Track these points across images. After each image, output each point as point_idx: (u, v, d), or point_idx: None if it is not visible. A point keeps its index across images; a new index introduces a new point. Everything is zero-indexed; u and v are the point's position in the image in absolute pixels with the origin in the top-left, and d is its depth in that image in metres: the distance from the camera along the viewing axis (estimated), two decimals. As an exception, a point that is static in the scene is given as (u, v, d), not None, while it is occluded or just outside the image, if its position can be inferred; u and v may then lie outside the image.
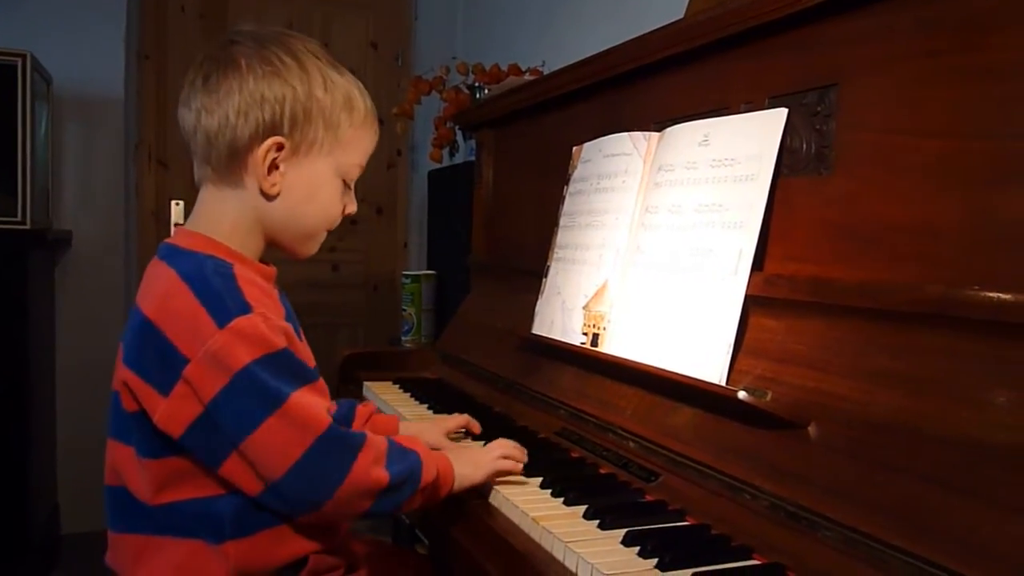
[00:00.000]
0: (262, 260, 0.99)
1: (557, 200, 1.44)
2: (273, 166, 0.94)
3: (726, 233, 0.99)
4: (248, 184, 0.95)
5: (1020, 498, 0.64)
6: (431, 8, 3.50)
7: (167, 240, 0.97)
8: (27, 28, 2.67)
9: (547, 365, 1.36)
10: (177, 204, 2.98)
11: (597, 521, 0.87)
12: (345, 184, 1.01)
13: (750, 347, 0.96)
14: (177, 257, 0.92)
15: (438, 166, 2.90)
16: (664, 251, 1.10)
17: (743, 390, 0.89)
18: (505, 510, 0.96)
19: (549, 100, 1.57)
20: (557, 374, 1.32)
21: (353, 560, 1.01)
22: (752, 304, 0.96)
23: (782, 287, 0.94)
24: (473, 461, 1.00)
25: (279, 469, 0.84)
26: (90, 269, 2.85)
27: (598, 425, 1.16)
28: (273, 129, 0.93)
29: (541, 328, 1.38)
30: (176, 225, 2.93)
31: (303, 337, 0.98)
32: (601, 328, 1.20)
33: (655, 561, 0.77)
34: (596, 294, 1.23)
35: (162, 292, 0.88)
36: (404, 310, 2.47)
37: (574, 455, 1.14)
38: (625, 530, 0.83)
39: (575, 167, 1.41)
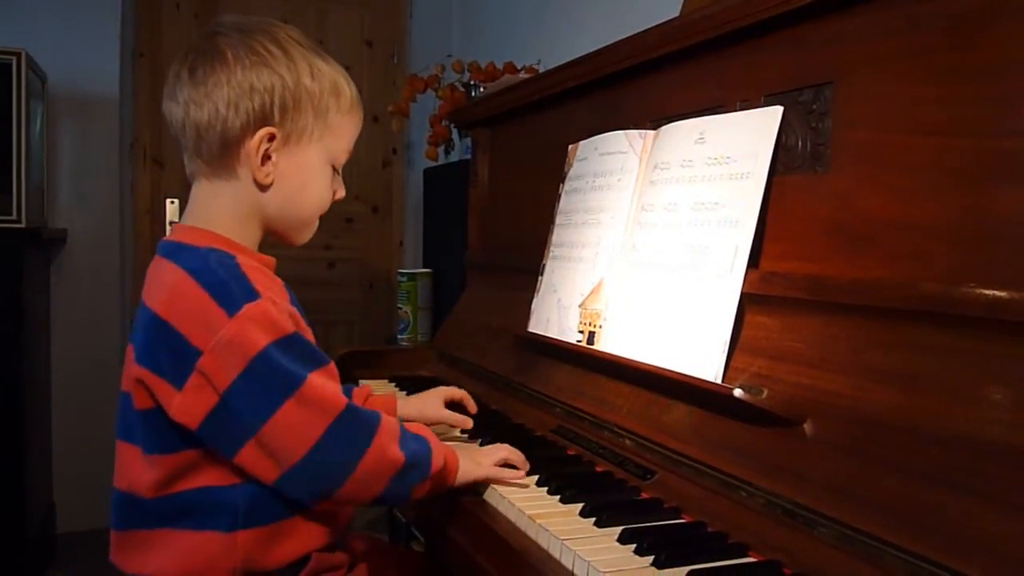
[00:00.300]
0: (260, 251, 0.99)
1: (553, 198, 1.44)
2: (266, 156, 0.94)
3: (722, 231, 0.99)
4: (241, 175, 0.95)
5: (1016, 495, 0.64)
6: (426, 6, 3.50)
7: (167, 238, 0.97)
8: (22, 26, 2.67)
9: (543, 363, 1.36)
10: (172, 202, 2.98)
11: (593, 519, 0.88)
12: (334, 169, 1.01)
13: (746, 345, 0.96)
14: (181, 253, 0.92)
15: (434, 164, 2.90)
16: (660, 249, 1.10)
17: (739, 388, 0.90)
18: (502, 508, 0.96)
19: (545, 98, 1.57)
20: (553, 372, 1.32)
21: (353, 559, 1.02)
22: (748, 302, 0.96)
23: (778, 285, 0.94)
24: (474, 458, 1.01)
25: (297, 453, 0.85)
26: (85, 267, 2.85)
27: (594, 423, 1.16)
28: (264, 119, 0.93)
29: (537, 326, 1.38)
30: (172, 223, 2.94)
31: (308, 325, 0.98)
32: (597, 326, 1.20)
33: (651, 559, 0.77)
34: (592, 292, 1.23)
35: (170, 289, 0.88)
36: (400, 308, 2.47)
37: (570, 453, 1.14)
38: (621, 528, 0.84)
39: (571, 165, 1.41)
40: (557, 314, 1.32)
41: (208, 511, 0.89)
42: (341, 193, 1.04)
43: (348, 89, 1.00)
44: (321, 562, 0.94)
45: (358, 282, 3.44)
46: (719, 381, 0.94)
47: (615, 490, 0.99)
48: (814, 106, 0.95)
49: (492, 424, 1.29)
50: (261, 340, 0.85)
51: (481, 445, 1.16)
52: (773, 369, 0.91)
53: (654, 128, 1.21)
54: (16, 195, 2.34)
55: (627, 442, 1.08)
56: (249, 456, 0.86)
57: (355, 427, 0.88)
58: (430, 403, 1.25)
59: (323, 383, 0.88)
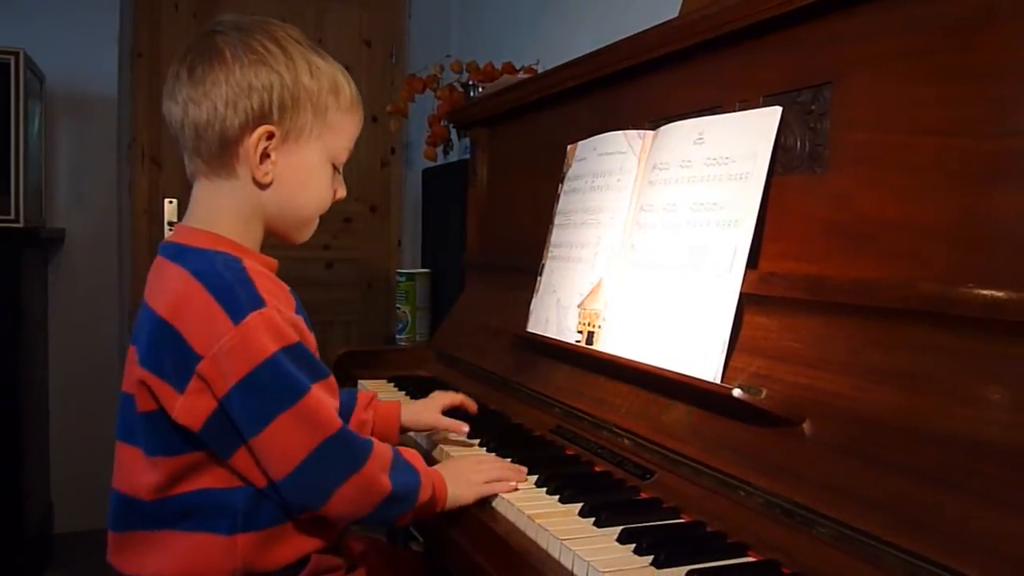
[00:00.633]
0: (266, 253, 0.99)
1: (552, 198, 1.44)
2: (265, 155, 0.94)
3: (721, 231, 0.99)
4: (241, 174, 0.95)
5: (1014, 494, 0.64)
6: (425, 6, 3.49)
7: (171, 239, 0.96)
8: (20, 26, 2.66)
9: (542, 363, 1.36)
10: (170, 202, 2.98)
11: (593, 519, 0.88)
12: (334, 168, 1.01)
13: (745, 344, 0.96)
14: (186, 256, 0.91)
15: (432, 164, 2.89)
16: (659, 249, 1.10)
17: (738, 387, 0.90)
18: (501, 508, 0.96)
19: (543, 98, 1.57)
20: (552, 372, 1.32)
21: (352, 560, 1.02)
22: (747, 302, 0.97)
23: (776, 285, 0.94)
24: (466, 480, 0.99)
25: (285, 467, 0.85)
26: (83, 267, 2.85)
27: (593, 423, 1.16)
28: (263, 118, 0.93)
29: (536, 326, 1.38)
30: (170, 223, 2.94)
31: (312, 330, 0.98)
32: (596, 326, 1.20)
33: (651, 558, 0.78)
34: (591, 292, 1.23)
35: (177, 292, 0.88)
36: (398, 308, 2.47)
37: (569, 452, 1.14)
38: (621, 528, 0.84)
39: (570, 165, 1.41)
40: (556, 314, 1.32)
41: (208, 513, 0.89)
42: (342, 192, 1.04)
43: (348, 87, 1.00)
44: (320, 564, 0.94)
45: (356, 282, 3.44)
46: (718, 381, 0.94)
47: (614, 490, 0.99)
48: (813, 107, 0.95)
49: (491, 424, 1.29)
50: (270, 346, 0.85)
51: (480, 445, 1.17)
52: (772, 369, 0.91)
53: (653, 128, 1.21)
54: (14, 195, 2.34)
55: (626, 442, 1.08)
56: (243, 461, 0.87)
57: (346, 450, 0.88)
58: (427, 411, 1.24)
59: (323, 398, 0.88)
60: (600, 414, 1.15)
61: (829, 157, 0.92)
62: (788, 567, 0.76)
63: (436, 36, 3.45)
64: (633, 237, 1.17)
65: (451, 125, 2.70)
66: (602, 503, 0.91)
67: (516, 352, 1.46)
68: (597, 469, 1.06)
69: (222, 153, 0.93)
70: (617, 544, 0.82)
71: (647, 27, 1.22)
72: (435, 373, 1.76)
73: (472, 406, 1.27)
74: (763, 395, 0.89)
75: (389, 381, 1.68)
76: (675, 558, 0.77)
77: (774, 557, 0.78)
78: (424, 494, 0.93)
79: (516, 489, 0.99)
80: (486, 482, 0.99)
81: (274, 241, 1.01)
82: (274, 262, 0.99)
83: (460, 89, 2.69)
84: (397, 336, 2.47)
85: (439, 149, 2.82)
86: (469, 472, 1.02)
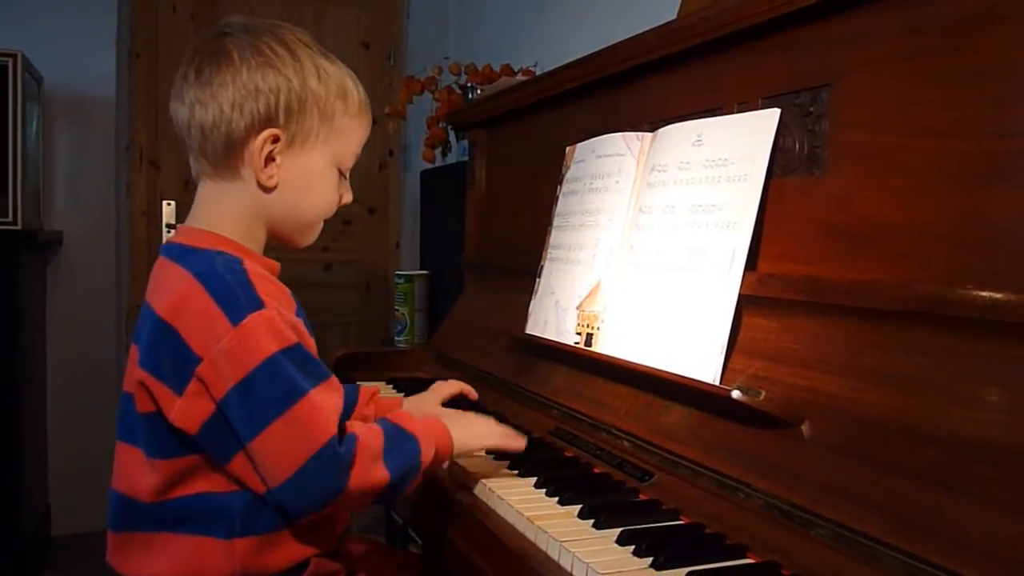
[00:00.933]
0: (265, 255, 0.99)
1: (550, 200, 1.44)
2: (270, 158, 0.94)
3: (719, 233, 0.99)
4: (246, 177, 0.94)
5: (1012, 496, 0.64)
6: (423, 7, 3.50)
7: (173, 239, 0.96)
8: (18, 28, 2.66)
9: (541, 365, 1.36)
10: (168, 204, 2.98)
11: (592, 520, 0.88)
12: (341, 173, 1.01)
13: (743, 346, 0.96)
14: (188, 256, 0.91)
15: (431, 166, 2.90)
16: (658, 251, 1.10)
17: (736, 389, 0.90)
18: (500, 510, 0.96)
19: (542, 100, 1.57)
20: (551, 374, 1.32)
21: (351, 562, 1.02)
22: (745, 303, 0.97)
23: (775, 286, 0.94)
24: (473, 432, 1.01)
25: (282, 474, 0.84)
26: (81, 269, 2.84)
27: (592, 424, 1.16)
28: (268, 121, 0.92)
29: (535, 328, 1.38)
30: (168, 226, 2.94)
31: (312, 333, 0.97)
32: (595, 328, 1.20)
33: (650, 560, 0.77)
34: (590, 294, 1.23)
35: (177, 292, 0.88)
36: (397, 310, 2.47)
37: (568, 454, 1.14)
38: (619, 529, 0.84)
39: (568, 167, 1.41)
40: (555, 316, 1.32)
41: (206, 517, 0.88)
42: (348, 197, 1.03)
43: (356, 92, 0.99)
44: (319, 567, 0.94)
45: (355, 284, 3.44)
46: (717, 383, 0.94)
47: (613, 492, 0.99)
48: (811, 108, 0.95)
49: (490, 426, 1.29)
50: (270, 347, 0.84)
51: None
52: (771, 370, 0.91)
53: (651, 130, 1.21)
54: (12, 197, 2.34)
55: (625, 444, 1.08)
56: (241, 466, 0.87)
57: (335, 462, 0.85)
58: (428, 403, 1.24)
59: (321, 402, 0.86)
60: (599, 416, 1.15)
61: (827, 159, 0.93)
62: (787, 568, 0.76)
63: (434, 38, 3.45)
64: (632, 239, 1.17)
65: (449, 127, 2.70)
66: (601, 505, 0.91)
67: (515, 354, 1.46)
68: (596, 471, 1.06)
69: (227, 155, 0.93)
70: (616, 546, 0.82)
71: (646, 29, 1.22)
72: (434, 375, 1.75)
73: (472, 394, 1.27)
74: (762, 396, 0.89)
75: (388, 383, 1.68)
76: (674, 560, 0.77)
77: (773, 558, 0.78)
78: (427, 456, 0.93)
79: (524, 449, 1.01)
80: (499, 434, 1.01)
81: (274, 244, 1.01)
82: (276, 265, 0.99)
83: (458, 91, 2.69)
84: (396, 338, 2.47)
85: (437, 151, 2.82)
86: (476, 424, 1.03)
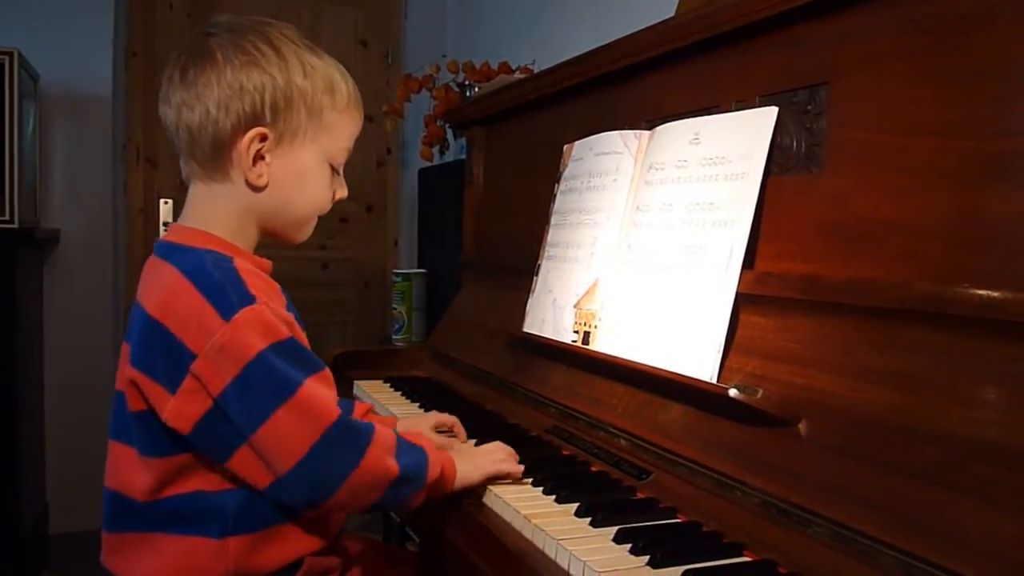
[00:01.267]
0: (257, 254, 0.99)
1: (548, 198, 1.44)
2: (258, 157, 0.93)
3: (717, 231, 0.99)
4: (235, 177, 0.94)
5: (1009, 494, 0.64)
6: (421, 6, 3.49)
7: (163, 238, 0.96)
8: (15, 26, 2.65)
9: (538, 363, 1.36)
10: (165, 202, 2.98)
11: (589, 519, 0.88)
12: (333, 169, 1.00)
13: (741, 345, 0.96)
14: (177, 254, 0.91)
15: (428, 164, 2.89)
16: (655, 249, 1.10)
17: (734, 387, 0.90)
18: (497, 508, 0.96)
19: (540, 98, 1.57)
20: (548, 372, 1.32)
21: (347, 560, 1.01)
22: (743, 302, 0.97)
23: (773, 285, 0.94)
24: (472, 461, 1.00)
25: (289, 460, 0.84)
26: (78, 268, 2.84)
27: (589, 423, 1.16)
28: (255, 119, 0.92)
29: (532, 326, 1.38)
30: (165, 224, 2.93)
31: (304, 329, 0.97)
32: (592, 326, 1.20)
33: (647, 558, 0.78)
34: (587, 292, 1.23)
35: (166, 290, 0.88)
36: (394, 309, 2.46)
37: (565, 453, 1.14)
38: (617, 528, 0.84)
39: (566, 165, 1.41)
40: (552, 314, 1.32)
41: (200, 517, 0.88)
42: (342, 193, 1.03)
43: (344, 86, 0.99)
44: (314, 565, 0.94)
45: (352, 282, 3.44)
46: (714, 381, 0.94)
47: (610, 490, 0.99)
48: (809, 107, 0.95)
49: (487, 425, 1.29)
50: (257, 344, 0.84)
51: (476, 446, 1.16)
52: (768, 369, 0.91)
53: (649, 128, 1.21)
54: (9, 195, 2.34)
55: (622, 442, 1.08)
56: (242, 461, 0.86)
57: (348, 438, 0.86)
58: (419, 427, 1.21)
59: (318, 390, 0.87)
60: (596, 414, 1.15)
61: (825, 157, 0.92)
62: (784, 567, 0.76)
63: (432, 36, 3.45)
64: (629, 237, 1.17)
65: (447, 125, 2.70)
66: (598, 503, 0.91)
67: (512, 352, 1.46)
68: (593, 469, 1.06)
69: (215, 156, 0.93)
70: (613, 544, 0.82)
71: (643, 27, 1.22)
72: (431, 373, 1.75)
73: (462, 432, 1.23)
74: (759, 395, 0.89)
75: (385, 382, 1.68)
76: (671, 558, 0.77)
77: (770, 557, 0.78)
78: (433, 472, 0.93)
79: (523, 473, 1.00)
80: (494, 462, 1.00)
81: (270, 241, 1.01)
82: (268, 263, 0.99)
83: (456, 89, 2.69)
84: (393, 336, 2.46)
85: (435, 149, 2.82)
86: (477, 454, 1.03)
